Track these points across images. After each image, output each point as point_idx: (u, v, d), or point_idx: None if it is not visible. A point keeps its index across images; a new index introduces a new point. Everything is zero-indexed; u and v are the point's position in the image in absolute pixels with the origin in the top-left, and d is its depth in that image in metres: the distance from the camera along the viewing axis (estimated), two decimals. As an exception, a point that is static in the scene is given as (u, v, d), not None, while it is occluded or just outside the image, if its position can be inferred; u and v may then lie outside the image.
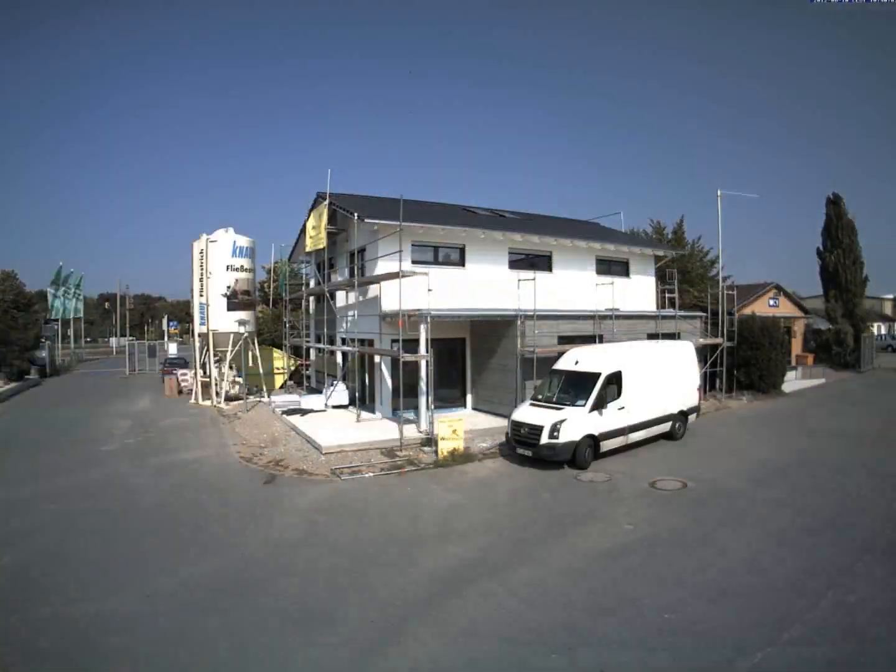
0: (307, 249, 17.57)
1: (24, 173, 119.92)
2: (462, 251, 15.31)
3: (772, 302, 26.48)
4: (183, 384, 20.53)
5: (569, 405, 10.45)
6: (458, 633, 4.84)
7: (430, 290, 13.17)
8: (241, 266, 17.89)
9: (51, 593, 5.55)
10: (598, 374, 10.63)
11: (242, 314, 17.59)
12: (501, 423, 13.29)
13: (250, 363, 18.61)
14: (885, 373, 24.79)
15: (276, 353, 21.87)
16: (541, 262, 16.78)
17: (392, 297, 14.11)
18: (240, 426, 14.15)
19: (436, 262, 15.13)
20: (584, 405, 10.34)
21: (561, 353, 12.30)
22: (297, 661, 4.50)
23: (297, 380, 22.37)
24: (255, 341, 19.98)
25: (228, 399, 17.90)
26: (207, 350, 18.47)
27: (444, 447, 10.75)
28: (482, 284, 15.26)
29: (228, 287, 17.52)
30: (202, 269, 17.48)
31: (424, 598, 5.46)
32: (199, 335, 18.38)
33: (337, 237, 17.56)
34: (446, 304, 14.14)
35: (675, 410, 12.06)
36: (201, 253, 17.53)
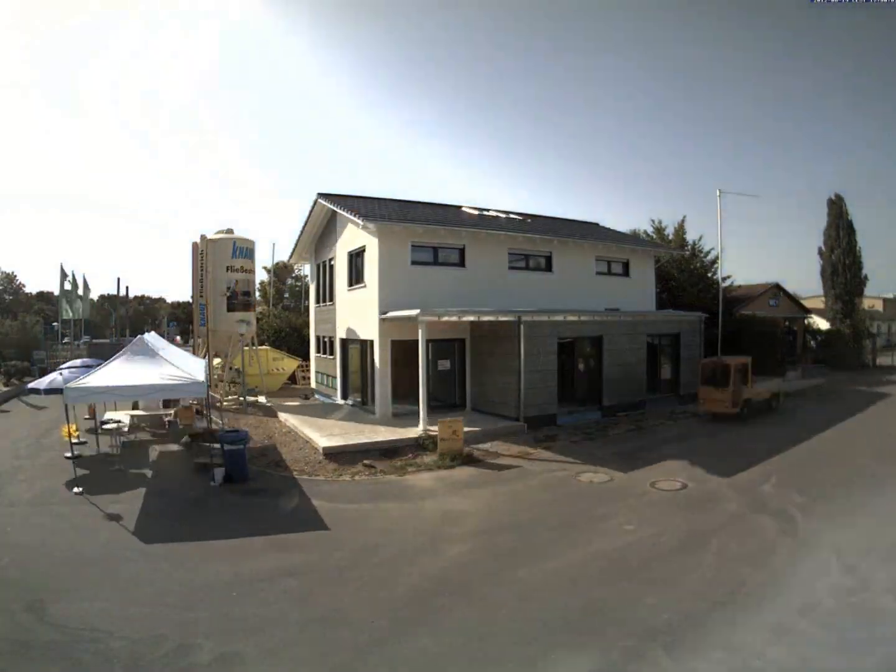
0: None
1: (23, 171, 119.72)
2: (462, 251, 15.32)
3: (772, 302, 26.54)
4: None
5: None
6: (455, 631, 4.85)
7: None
8: (241, 267, 17.90)
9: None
10: None
11: (242, 315, 17.60)
12: (502, 423, 13.32)
13: (250, 364, 18.59)
14: (885, 373, 24.80)
15: (276, 354, 21.87)
16: (541, 262, 16.80)
17: (392, 297, 14.15)
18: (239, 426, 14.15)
19: (436, 262, 15.14)
20: None
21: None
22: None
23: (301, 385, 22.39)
24: (255, 342, 19.99)
25: (228, 399, 17.90)
26: (207, 351, 18.46)
27: (444, 448, 10.76)
28: (482, 284, 15.27)
29: (228, 288, 17.53)
30: (202, 270, 17.47)
31: (424, 600, 5.46)
32: (199, 336, 18.37)
33: (337, 238, 17.60)
34: (446, 305, 14.17)
35: None
36: (202, 253, 17.53)
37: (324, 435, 12.10)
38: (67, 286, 33.52)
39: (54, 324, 38.19)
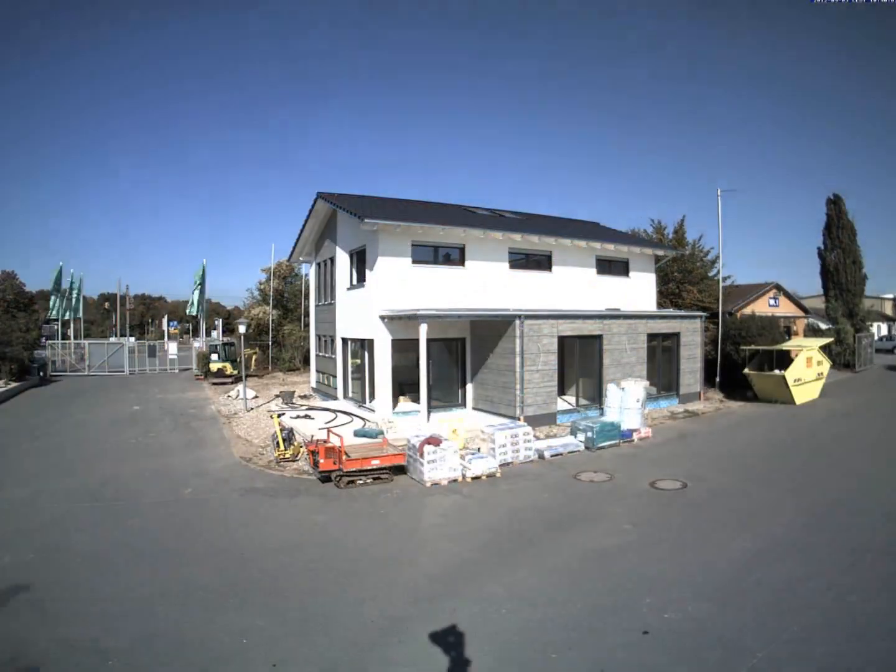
0: None
1: (23, 173, 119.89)
2: (462, 251, 15.34)
3: (772, 302, 26.52)
4: None
5: None
6: (453, 637, 4.84)
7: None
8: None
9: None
10: None
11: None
12: (502, 423, 13.30)
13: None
14: (882, 372, 25.03)
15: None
16: (541, 262, 16.81)
17: (392, 297, 14.17)
18: (239, 427, 14.16)
19: (436, 261, 15.16)
20: None
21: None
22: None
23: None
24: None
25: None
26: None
27: (445, 447, 10.71)
28: (482, 284, 15.30)
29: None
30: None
31: (425, 596, 5.48)
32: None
33: (337, 237, 17.61)
34: (446, 304, 14.17)
35: None
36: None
37: (323, 435, 12.04)
38: (60, 287, 33.23)
39: (53, 323, 38.08)
